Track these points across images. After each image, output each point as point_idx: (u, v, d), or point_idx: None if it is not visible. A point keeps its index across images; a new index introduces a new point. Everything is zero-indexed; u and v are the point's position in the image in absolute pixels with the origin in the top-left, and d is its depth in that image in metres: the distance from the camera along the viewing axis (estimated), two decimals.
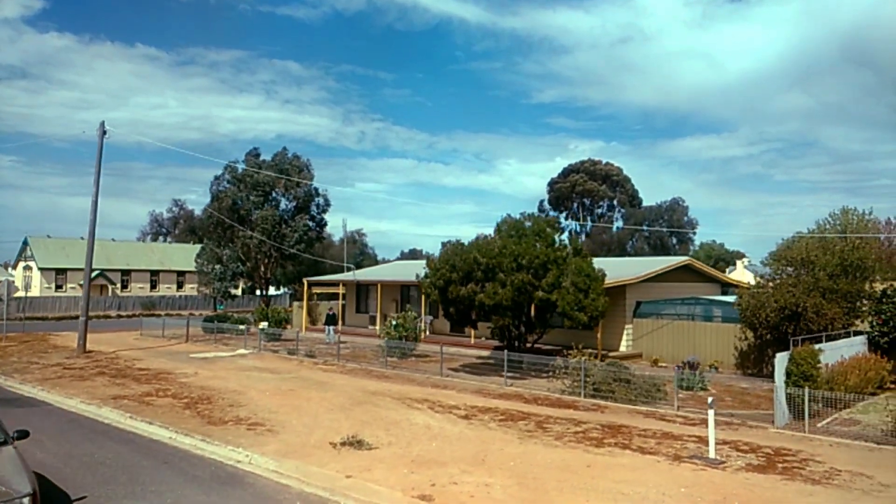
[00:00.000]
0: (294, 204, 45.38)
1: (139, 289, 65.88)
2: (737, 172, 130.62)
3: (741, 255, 71.18)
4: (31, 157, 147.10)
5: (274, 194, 44.68)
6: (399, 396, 17.30)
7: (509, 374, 19.77)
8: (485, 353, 25.45)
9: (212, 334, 32.02)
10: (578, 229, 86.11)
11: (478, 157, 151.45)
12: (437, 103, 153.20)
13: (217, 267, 48.86)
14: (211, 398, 16.71)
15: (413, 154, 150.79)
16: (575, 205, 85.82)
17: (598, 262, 22.85)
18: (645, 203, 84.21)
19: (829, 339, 18.10)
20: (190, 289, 65.72)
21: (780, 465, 11.11)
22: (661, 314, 25.49)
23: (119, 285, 65.03)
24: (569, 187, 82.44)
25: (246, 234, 42.34)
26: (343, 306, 38.60)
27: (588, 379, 17.52)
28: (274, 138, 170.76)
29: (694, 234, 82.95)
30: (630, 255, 70.46)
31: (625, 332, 26.10)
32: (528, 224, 21.45)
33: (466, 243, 21.37)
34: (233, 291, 55.34)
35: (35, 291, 60.24)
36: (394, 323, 26.51)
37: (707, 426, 11.87)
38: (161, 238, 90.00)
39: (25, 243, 64.34)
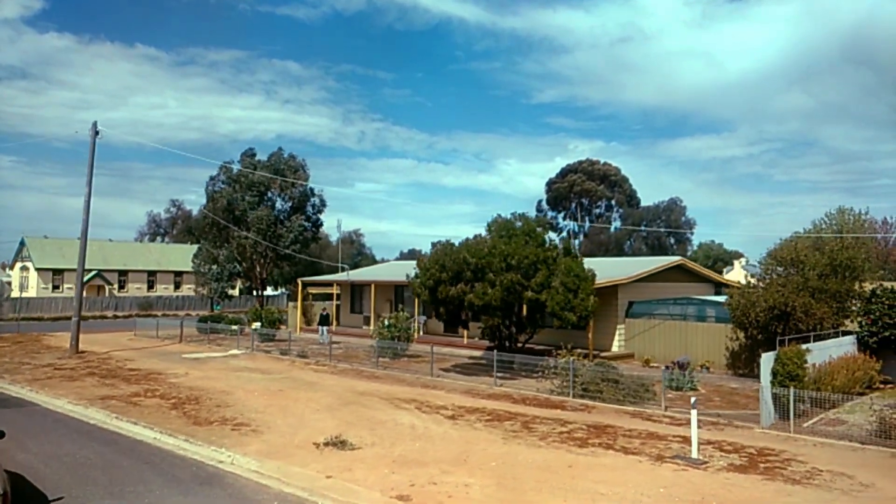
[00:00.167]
0: (290, 204, 45.32)
1: (136, 289, 65.89)
2: (737, 172, 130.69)
3: (740, 256, 71.28)
4: (30, 157, 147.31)
5: (269, 194, 44.66)
6: (387, 397, 17.29)
7: (499, 375, 19.76)
8: (477, 353, 25.43)
9: (206, 335, 32.02)
10: (576, 229, 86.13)
11: (478, 157, 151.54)
12: (436, 103, 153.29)
13: (213, 267, 48.85)
14: (199, 398, 16.71)
15: (413, 154, 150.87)
16: (573, 205, 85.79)
17: (592, 262, 22.88)
18: (643, 203, 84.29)
19: (818, 338, 18.09)
20: (187, 289, 65.74)
21: (761, 466, 11.10)
22: (654, 314, 25.48)
23: (116, 286, 65.06)
24: (567, 187, 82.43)
25: (241, 234, 42.31)
26: (338, 307, 38.61)
27: (577, 379, 17.50)
28: (274, 138, 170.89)
29: (692, 234, 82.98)
30: (628, 255, 70.46)
31: (617, 332, 26.09)
32: (518, 224, 21.45)
33: (457, 243, 21.37)
34: (230, 292, 55.34)
35: (32, 292, 60.30)
36: (386, 323, 26.51)
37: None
38: (159, 238, 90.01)
39: (22, 243, 64.36)
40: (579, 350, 22.91)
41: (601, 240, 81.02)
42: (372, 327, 31.08)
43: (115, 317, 52.10)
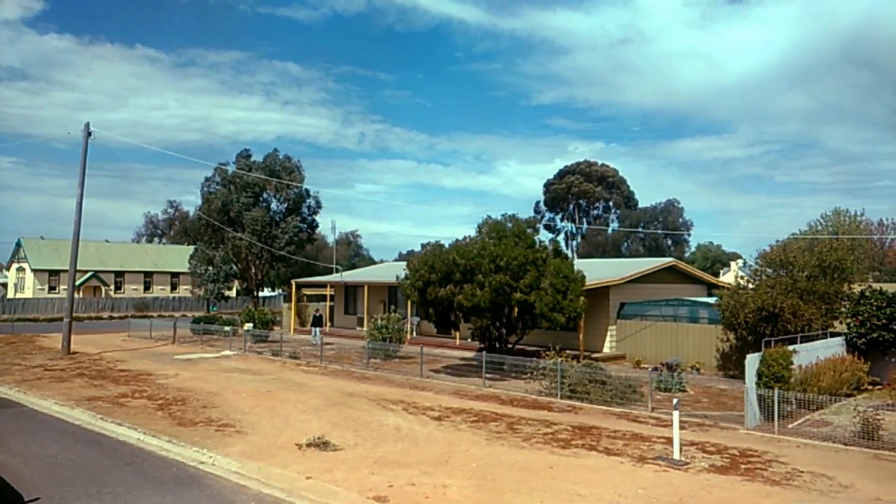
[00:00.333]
0: (285, 206, 45.36)
1: (133, 290, 65.85)
2: (737, 173, 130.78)
3: (738, 257, 71.27)
4: (30, 158, 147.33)
5: (265, 196, 44.67)
6: (375, 398, 17.28)
7: (489, 376, 19.75)
8: (469, 354, 25.44)
9: (199, 336, 32.01)
10: (574, 231, 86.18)
11: (477, 159, 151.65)
12: (436, 104, 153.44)
13: (209, 269, 48.84)
14: (186, 399, 16.71)
15: (413, 155, 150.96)
16: (571, 206, 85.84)
17: (585, 263, 22.91)
18: (641, 204, 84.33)
19: (807, 340, 18.09)
20: (184, 290, 65.72)
21: (742, 467, 11.10)
22: (645, 315, 25.48)
23: (113, 287, 65.00)
24: (564, 189, 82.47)
25: (235, 235, 42.31)
26: (332, 308, 38.59)
27: (564, 380, 17.50)
28: (273, 140, 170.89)
29: (689, 235, 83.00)
30: (625, 257, 70.48)
31: (608, 333, 26.08)
32: (509, 225, 21.45)
33: (447, 245, 21.37)
34: (227, 293, 55.31)
35: (28, 293, 60.30)
36: (377, 324, 26.50)
37: (680, 427, 11.85)
38: (156, 239, 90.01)
39: (19, 244, 64.34)
40: (570, 351, 22.92)
41: (598, 241, 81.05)
42: (365, 328, 31.06)
43: (111, 318, 52.08)
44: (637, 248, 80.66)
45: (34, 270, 61.51)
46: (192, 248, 55.14)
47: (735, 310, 20.23)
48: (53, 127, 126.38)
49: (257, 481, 10.34)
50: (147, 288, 67.37)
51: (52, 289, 61.75)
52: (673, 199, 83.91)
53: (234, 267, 47.51)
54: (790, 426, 14.12)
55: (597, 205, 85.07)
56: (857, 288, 20.38)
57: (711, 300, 24.67)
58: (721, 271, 68.22)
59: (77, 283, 58.17)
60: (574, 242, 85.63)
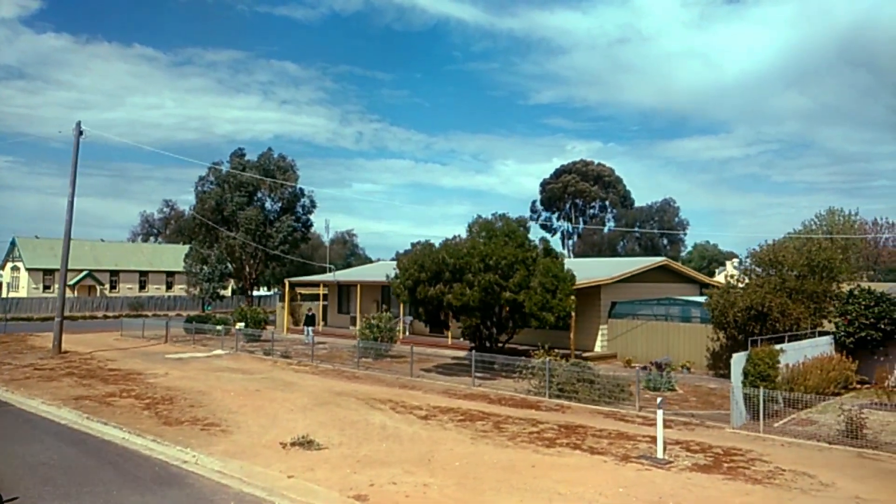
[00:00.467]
0: (279, 205, 45.37)
1: (128, 289, 65.77)
2: (734, 173, 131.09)
3: (734, 256, 71.37)
4: (28, 157, 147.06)
5: (259, 195, 44.68)
6: (364, 397, 17.27)
7: (479, 375, 19.75)
8: (461, 353, 25.44)
9: (191, 335, 31.97)
10: (570, 230, 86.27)
11: (475, 158, 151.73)
12: (434, 104, 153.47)
13: (204, 268, 48.82)
14: (174, 398, 16.69)
15: (411, 155, 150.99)
16: (567, 205, 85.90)
17: (578, 263, 22.92)
18: (637, 204, 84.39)
19: (795, 339, 18.10)
20: (179, 289, 65.61)
21: (725, 465, 11.11)
22: (637, 315, 25.49)
23: (107, 286, 64.91)
24: (561, 188, 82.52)
25: (229, 234, 42.29)
26: (325, 307, 38.56)
27: (553, 379, 17.51)
28: (271, 139, 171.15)
29: (685, 234, 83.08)
30: (621, 256, 70.54)
31: (600, 332, 26.09)
32: (499, 224, 21.45)
33: (437, 244, 21.37)
34: (222, 292, 55.29)
35: (23, 292, 60.19)
36: (369, 323, 26.48)
37: (665, 426, 11.86)
38: (152, 239, 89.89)
39: (13, 243, 64.22)
40: (561, 350, 22.93)
41: (594, 240, 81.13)
42: (358, 328, 31.05)
43: (106, 317, 51.99)
44: (633, 247, 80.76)
45: (28, 269, 61.41)
46: (187, 247, 55.11)
47: (724, 309, 20.25)
48: (50, 126, 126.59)
49: (239, 480, 10.33)
50: (142, 287, 67.31)
51: (46, 288, 61.63)
52: (669, 199, 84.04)
53: (229, 266, 47.54)
54: (776, 425, 14.14)
55: (593, 204, 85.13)
56: (845, 287, 20.40)
57: (702, 299, 24.71)
58: (717, 270, 68.35)
59: (72, 282, 58.22)
60: (570, 242, 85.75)
